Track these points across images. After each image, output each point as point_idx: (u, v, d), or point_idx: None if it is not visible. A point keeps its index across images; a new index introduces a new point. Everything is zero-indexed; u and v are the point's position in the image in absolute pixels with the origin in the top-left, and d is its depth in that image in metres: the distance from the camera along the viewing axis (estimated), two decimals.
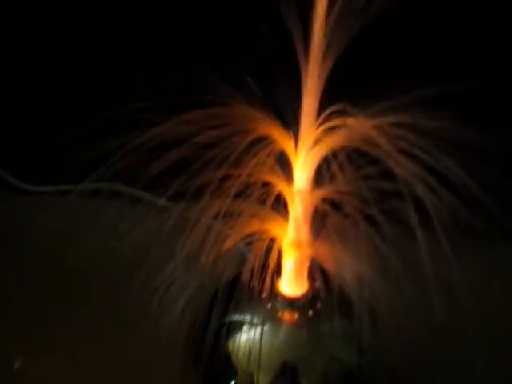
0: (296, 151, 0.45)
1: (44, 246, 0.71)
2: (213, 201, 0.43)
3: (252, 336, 0.48)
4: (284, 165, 0.46)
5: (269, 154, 0.44)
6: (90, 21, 0.79)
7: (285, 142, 0.45)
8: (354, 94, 0.41)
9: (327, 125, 0.43)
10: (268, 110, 0.44)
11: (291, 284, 0.49)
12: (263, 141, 0.44)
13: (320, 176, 0.45)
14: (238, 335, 0.49)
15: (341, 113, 0.41)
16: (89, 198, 0.65)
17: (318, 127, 0.43)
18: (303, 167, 0.45)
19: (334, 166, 0.42)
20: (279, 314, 0.49)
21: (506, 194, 0.38)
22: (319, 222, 0.45)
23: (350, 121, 0.41)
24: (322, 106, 0.43)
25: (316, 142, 0.44)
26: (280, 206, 0.46)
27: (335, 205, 0.44)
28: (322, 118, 0.43)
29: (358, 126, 0.40)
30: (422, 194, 0.37)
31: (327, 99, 0.43)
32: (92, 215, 0.62)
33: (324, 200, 0.44)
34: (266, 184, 0.45)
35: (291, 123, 0.44)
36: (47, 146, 0.74)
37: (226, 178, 0.44)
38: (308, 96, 0.43)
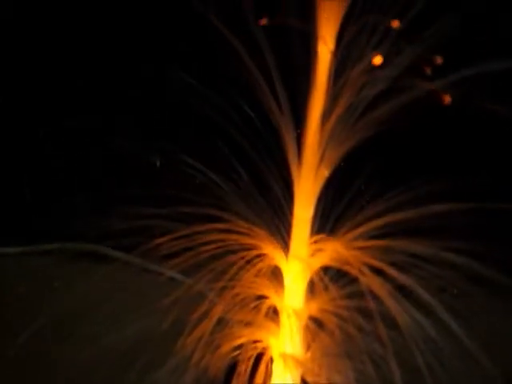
0: (288, 267, 0.49)
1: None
2: (208, 307, 0.47)
3: None
4: (278, 279, 0.50)
5: (263, 270, 0.48)
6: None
7: (278, 258, 0.49)
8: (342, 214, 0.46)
9: (315, 247, 0.47)
10: (263, 227, 0.49)
11: None
12: (259, 256, 0.49)
13: (308, 293, 0.48)
14: None
15: (325, 239, 0.46)
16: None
17: (307, 247, 0.48)
18: (294, 284, 0.49)
19: (320, 285, 0.46)
20: None
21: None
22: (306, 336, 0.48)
23: (334, 245, 0.45)
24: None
25: (306, 261, 0.48)
26: (272, 313, 0.49)
27: (317, 320, 0.47)
28: (309, 242, 0.47)
29: (339, 251, 0.45)
30: (394, 311, 0.41)
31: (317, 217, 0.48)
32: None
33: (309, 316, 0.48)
34: (261, 297, 0.49)
35: (284, 240, 0.49)
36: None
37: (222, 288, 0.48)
38: (299, 217, 0.48)
